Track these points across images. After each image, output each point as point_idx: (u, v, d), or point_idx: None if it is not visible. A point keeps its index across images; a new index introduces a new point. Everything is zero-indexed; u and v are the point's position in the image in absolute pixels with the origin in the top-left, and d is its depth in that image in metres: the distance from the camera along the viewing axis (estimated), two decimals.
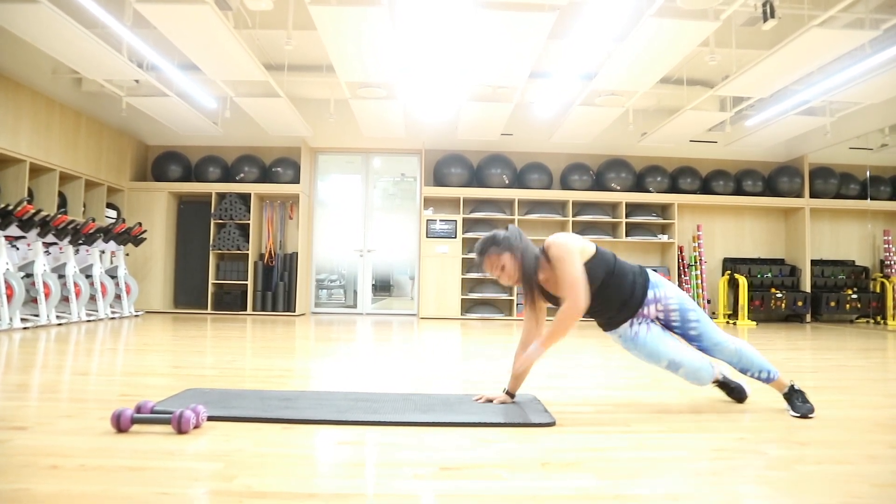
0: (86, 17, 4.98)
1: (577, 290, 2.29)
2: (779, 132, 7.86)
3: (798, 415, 2.42)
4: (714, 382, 2.67)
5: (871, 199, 9.22)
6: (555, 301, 2.45)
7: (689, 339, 2.50)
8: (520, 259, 2.39)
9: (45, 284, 5.97)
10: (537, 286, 2.43)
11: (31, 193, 6.75)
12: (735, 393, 2.68)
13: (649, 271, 2.55)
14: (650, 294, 2.48)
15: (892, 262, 9.09)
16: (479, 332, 6.68)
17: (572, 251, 2.34)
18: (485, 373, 3.68)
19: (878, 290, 8.99)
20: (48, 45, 5.29)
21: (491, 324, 7.94)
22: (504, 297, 8.85)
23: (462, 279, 8.75)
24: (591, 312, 2.49)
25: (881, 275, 9.08)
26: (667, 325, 2.53)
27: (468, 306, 8.89)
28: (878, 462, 1.85)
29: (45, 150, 6.75)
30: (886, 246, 9.19)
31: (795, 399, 2.47)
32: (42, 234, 6.10)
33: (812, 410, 2.42)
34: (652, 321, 2.52)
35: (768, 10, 4.67)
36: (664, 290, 2.50)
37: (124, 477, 1.59)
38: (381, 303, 9.88)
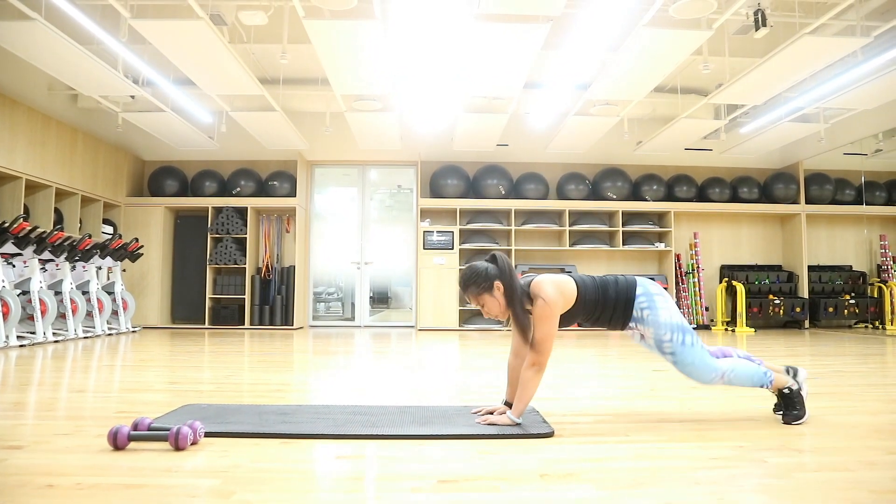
0: (81, 34, 5.00)
1: (544, 348, 2.30)
2: (773, 139, 7.89)
3: (784, 416, 2.43)
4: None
5: (866, 204, 9.26)
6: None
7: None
8: (503, 296, 2.37)
9: (42, 301, 5.95)
10: (521, 314, 2.41)
11: (27, 210, 6.75)
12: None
13: (638, 292, 2.44)
14: (631, 325, 2.48)
15: (889, 267, 9.11)
16: (478, 343, 6.67)
17: (555, 312, 2.33)
18: (483, 384, 3.67)
19: (875, 294, 9.01)
20: (43, 62, 5.31)
21: (489, 335, 7.93)
22: None
23: (460, 290, 8.74)
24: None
25: (878, 280, 9.10)
26: None
27: (466, 317, 8.88)
28: (877, 468, 1.84)
29: (40, 167, 6.76)
30: (883, 251, 9.21)
31: (789, 404, 2.45)
32: (38, 251, 6.09)
33: (800, 417, 2.41)
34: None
35: (760, 19, 4.70)
36: (644, 330, 2.45)
37: (121, 495, 1.58)
38: (379, 315, 9.86)
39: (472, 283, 2.39)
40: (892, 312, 8.58)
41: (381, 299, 10.11)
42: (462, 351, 5.78)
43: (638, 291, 2.45)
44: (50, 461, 1.88)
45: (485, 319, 8.74)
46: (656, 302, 2.44)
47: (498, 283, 2.36)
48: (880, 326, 8.75)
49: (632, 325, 2.48)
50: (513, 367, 2.50)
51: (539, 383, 2.35)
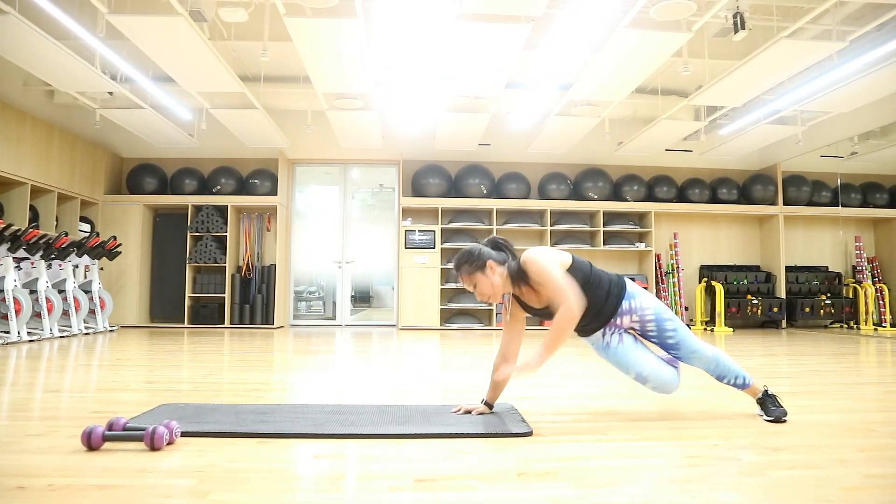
0: (57, 29, 4.93)
1: (567, 296, 2.28)
2: (752, 141, 7.99)
3: (771, 419, 2.44)
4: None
5: (842, 206, 9.40)
6: (536, 312, 2.47)
7: (667, 348, 2.52)
8: (494, 277, 2.39)
9: (16, 300, 5.86)
10: (514, 299, 2.47)
11: (1, 208, 6.63)
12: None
13: (627, 281, 2.55)
14: (624, 305, 2.48)
15: (864, 268, 9.25)
16: (459, 342, 6.67)
17: (550, 262, 2.35)
18: (463, 383, 3.68)
19: (850, 295, 9.15)
20: (18, 57, 5.22)
21: (470, 334, 7.94)
22: (483, 307, 8.86)
23: (441, 289, 8.75)
24: None
25: (853, 280, 9.24)
26: (643, 335, 2.55)
27: (448, 316, 8.89)
28: (848, 466, 1.87)
29: (15, 164, 6.65)
30: (858, 252, 9.35)
31: (769, 404, 2.50)
32: (13, 250, 5.99)
33: (785, 414, 2.45)
34: (625, 332, 2.53)
35: (739, 22, 4.76)
36: (640, 301, 2.49)
37: (94, 496, 1.56)
38: (360, 314, 9.83)
39: (465, 261, 2.42)
40: (867, 313, 8.73)
41: (362, 298, 10.08)
42: (443, 350, 5.78)
43: (626, 282, 2.55)
44: (21, 462, 1.85)
45: (466, 319, 8.75)
46: (643, 294, 2.55)
47: (491, 263, 2.39)
48: (855, 326, 8.89)
49: (621, 317, 2.48)
50: (498, 368, 2.50)
51: (569, 332, 2.31)
